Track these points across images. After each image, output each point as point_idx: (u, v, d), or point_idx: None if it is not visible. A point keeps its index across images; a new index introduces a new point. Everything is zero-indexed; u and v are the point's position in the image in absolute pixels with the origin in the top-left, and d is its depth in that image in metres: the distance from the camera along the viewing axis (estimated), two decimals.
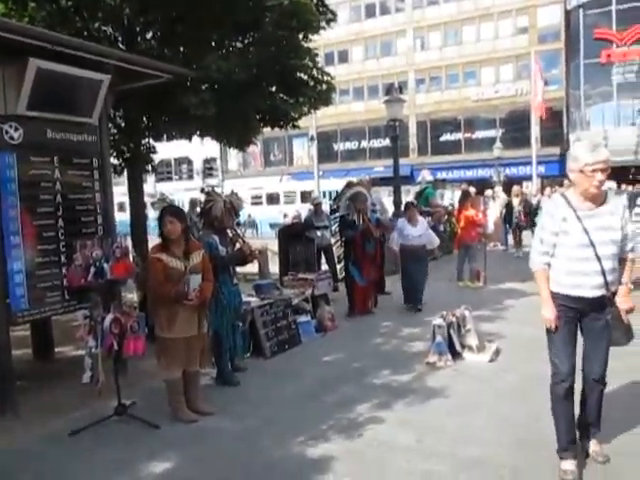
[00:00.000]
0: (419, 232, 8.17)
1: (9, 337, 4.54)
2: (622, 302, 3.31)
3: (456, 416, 4.25)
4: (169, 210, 4.37)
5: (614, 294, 3.33)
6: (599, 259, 3.21)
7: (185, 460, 3.73)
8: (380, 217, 8.70)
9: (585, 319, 3.40)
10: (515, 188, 14.25)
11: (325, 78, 7.52)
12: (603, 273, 3.23)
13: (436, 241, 8.62)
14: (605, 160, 3.16)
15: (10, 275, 4.44)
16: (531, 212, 13.02)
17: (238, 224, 5.76)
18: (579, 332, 3.45)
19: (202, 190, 5.46)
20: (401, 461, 3.56)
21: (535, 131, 26.51)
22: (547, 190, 12.74)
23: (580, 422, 3.57)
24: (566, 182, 14.06)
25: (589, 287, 3.26)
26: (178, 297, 4.15)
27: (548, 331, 3.45)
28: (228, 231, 5.28)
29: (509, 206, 13.46)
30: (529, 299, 8.34)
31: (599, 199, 3.26)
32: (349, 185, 8.42)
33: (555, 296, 3.37)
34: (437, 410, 4.39)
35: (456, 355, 5.54)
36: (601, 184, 3.17)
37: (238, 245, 5.25)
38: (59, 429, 4.24)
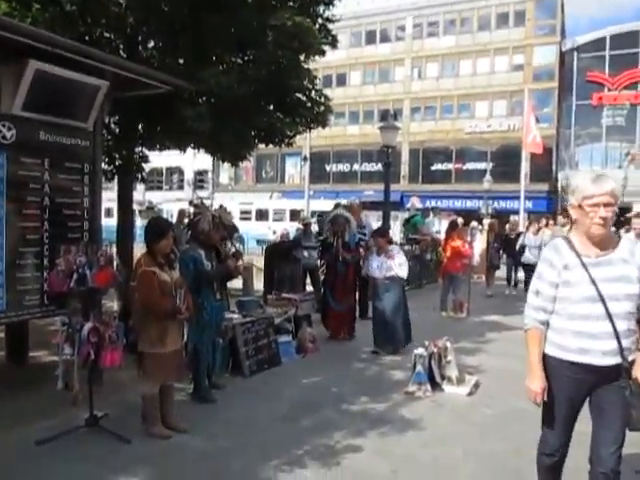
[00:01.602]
0: (377, 262, 7.15)
1: None
2: None
3: (432, 448, 4.21)
4: (170, 225, 4.42)
5: (632, 363, 2.66)
6: (611, 318, 2.60)
7: (154, 478, 3.63)
8: (364, 239, 8.65)
9: (595, 393, 2.75)
10: (489, 222, 14.10)
11: (323, 100, 7.58)
12: (617, 336, 2.60)
13: (400, 272, 7.12)
14: (609, 192, 2.56)
15: None
16: (507, 247, 12.66)
17: (232, 237, 5.73)
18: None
19: (191, 202, 5.46)
20: None
21: (525, 167, 26.88)
22: (532, 227, 12.34)
23: None
24: (560, 219, 14.07)
25: (600, 353, 2.63)
26: (174, 312, 4.12)
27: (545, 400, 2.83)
28: (227, 245, 5.25)
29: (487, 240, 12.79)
30: (511, 333, 8.35)
31: (609, 243, 2.68)
32: (335, 207, 8.46)
33: (557, 364, 2.77)
34: (414, 441, 4.34)
35: (435, 386, 5.50)
36: (605, 222, 2.58)
37: (230, 257, 5.20)
38: (26, 437, 4.10)
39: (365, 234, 8.66)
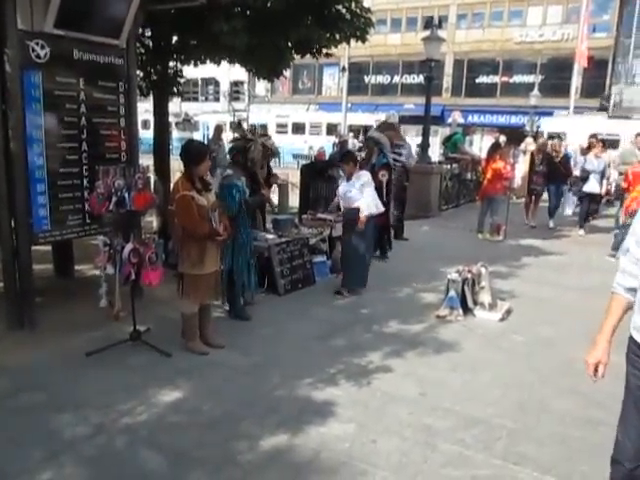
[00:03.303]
0: (344, 190, 6.23)
1: (31, 257, 4.64)
2: None
3: (461, 373, 4.32)
4: (207, 149, 4.53)
5: None
6: None
7: (193, 391, 3.86)
8: (402, 159, 8.46)
9: None
10: (540, 141, 11.97)
11: (364, 13, 7.17)
12: None
13: (368, 208, 6.03)
14: None
15: (33, 196, 4.49)
16: (550, 171, 10.48)
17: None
18: None
19: (235, 124, 5.50)
20: (403, 413, 3.64)
21: (576, 80, 25.35)
22: (596, 148, 9.86)
23: None
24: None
25: None
26: (212, 234, 4.23)
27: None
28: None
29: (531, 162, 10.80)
30: (548, 258, 8.30)
31: None
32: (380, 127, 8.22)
33: (632, 344, 2.32)
34: (443, 365, 4.45)
35: (467, 311, 5.56)
36: None
37: (264, 186, 5.25)
38: (75, 348, 4.39)
39: (401, 154, 8.44)
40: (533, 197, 10.85)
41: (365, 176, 6.15)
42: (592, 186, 10.05)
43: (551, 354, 4.73)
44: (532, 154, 11.07)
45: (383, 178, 7.50)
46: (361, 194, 6.03)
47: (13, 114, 4.30)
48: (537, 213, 10.91)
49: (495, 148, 9.89)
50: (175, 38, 7.20)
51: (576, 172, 10.99)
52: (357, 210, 6.01)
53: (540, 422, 3.61)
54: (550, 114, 25.49)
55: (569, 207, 11.84)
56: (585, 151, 11.28)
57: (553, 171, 10.51)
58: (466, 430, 3.47)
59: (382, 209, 6.43)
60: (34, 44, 4.33)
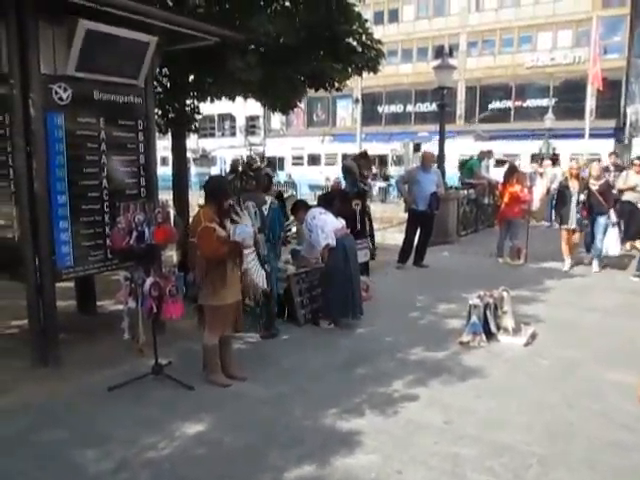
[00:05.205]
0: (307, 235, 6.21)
1: (55, 294, 4.71)
2: None
3: (487, 399, 4.23)
4: (230, 185, 4.87)
5: None
6: None
7: (216, 423, 3.84)
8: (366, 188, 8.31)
9: None
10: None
11: (375, 45, 7.31)
12: None
13: (324, 240, 5.89)
14: None
15: (56, 233, 4.58)
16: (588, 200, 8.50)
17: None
18: None
19: (249, 161, 5.75)
20: (429, 442, 3.57)
21: (590, 102, 25.28)
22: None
23: None
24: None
25: None
26: (235, 249, 4.30)
27: None
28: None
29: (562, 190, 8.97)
30: (570, 280, 8.18)
31: None
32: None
33: None
34: (468, 391, 4.37)
35: (491, 336, 5.47)
36: None
37: None
38: (97, 383, 4.41)
39: (365, 183, 8.20)
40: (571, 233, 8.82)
41: (309, 216, 6.07)
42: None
43: (578, 377, 4.62)
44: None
45: (357, 207, 7.61)
46: (312, 233, 5.99)
47: (37, 155, 4.44)
48: (574, 252, 9.10)
49: (511, 171, 9.84)
50: (191, 76, 7.39)
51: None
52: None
53: (570, 447, 3.51)
54: (565, 137, 25.42)
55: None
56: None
57: (590, 200, 8.58)
58: (494, 458, 3.38)
59: (338, 225, 6.11)
60: (57, 87, 4.49)
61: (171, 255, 8.28)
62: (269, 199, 5.52)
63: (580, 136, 23.60)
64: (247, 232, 4.53)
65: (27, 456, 3.41)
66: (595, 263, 8.79)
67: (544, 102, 30.97)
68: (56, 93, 4.49)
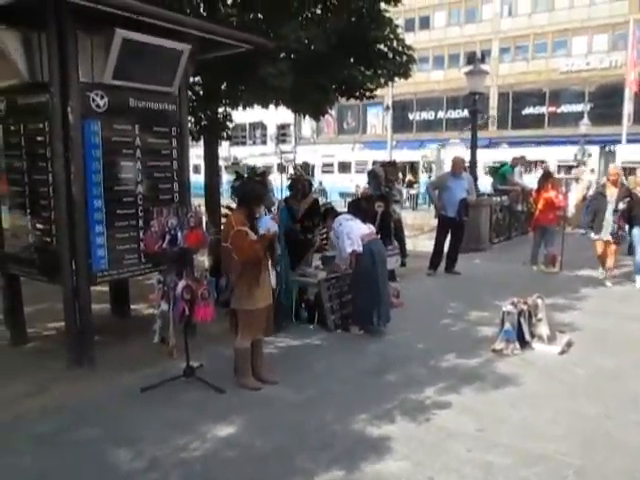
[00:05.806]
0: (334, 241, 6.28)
1: (90, 296, 4.82)
2: None
3: (520, 408, 4.14)
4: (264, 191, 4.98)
5: None
6: None
7: (246, 426, 3.85)
8: (393, 192, 8.78)
9: None
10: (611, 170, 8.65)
11: (405, 50, 7.30)
12: None
13: (350, 246, 5.86)
14: None
15: (92, 237, 4.69)
16: (633, 210, 8.00)
17: None
18: None
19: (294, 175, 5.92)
20: (461, 450, 3.51)
21: (627, 107, 24.72)
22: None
23: None
24: None
25: None
26: (268, 242, 4.33)
27: None
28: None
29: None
30: (607, 289, 7.96)
31: None
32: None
33: None
34: (501, 400, 4.28)
35: (525, 344, 5.36)
36: None
37: None
38: (130, 384, 4.48)
39: (391, 188, 8.59)
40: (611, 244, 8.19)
41: (336, 223, 6.10)
42: None
43: (615, 387, 4.49)
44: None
45: (379, 209, 7.66)
46: (338, 240, 5.98)
47: (75, 160, 4.56)
48: (614, 265, 8.47)
49: (546, 177, 9.67)
50: (224, 84, 7.49)
51: None
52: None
53: (607, 458, 3.41)
54: (601, 143, 24.86)
55: None
56: None
57: (634, 209, 8.06)
58: (529, 468, 3.30)
59: (365, 230, 6.06)
60: (94, 95, 4.61)
61: (203, 260, 8.37)
62: (277, 201, 5.60)
63: (617, 142, 23.07)
64: (267, 221, 4.47)
65: (62, 454, 3.48)
66: (638, 279, 8.12)
67: (579, 107, 30.39)
68: (93, 101, 4.61)
